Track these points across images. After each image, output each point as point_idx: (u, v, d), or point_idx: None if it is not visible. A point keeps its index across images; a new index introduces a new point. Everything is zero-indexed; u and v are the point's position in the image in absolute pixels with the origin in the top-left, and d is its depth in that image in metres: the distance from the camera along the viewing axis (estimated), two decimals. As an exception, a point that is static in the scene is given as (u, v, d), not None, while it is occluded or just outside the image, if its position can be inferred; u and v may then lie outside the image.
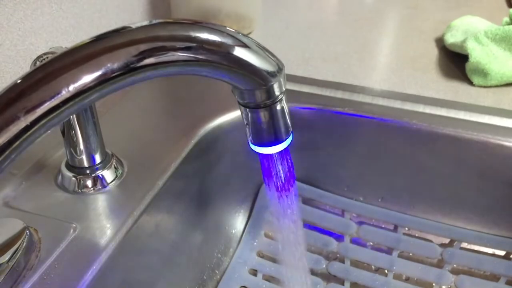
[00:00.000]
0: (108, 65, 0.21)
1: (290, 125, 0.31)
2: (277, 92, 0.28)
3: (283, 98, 0.29)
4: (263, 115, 0.29)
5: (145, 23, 0.23)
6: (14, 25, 0.44)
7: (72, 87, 0.20)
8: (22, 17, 0.44)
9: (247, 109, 0.29)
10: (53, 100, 0.20)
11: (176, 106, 0.52)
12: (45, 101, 0.20)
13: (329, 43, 0.64)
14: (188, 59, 0.23)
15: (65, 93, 0.20)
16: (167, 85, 0.55)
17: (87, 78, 0.21)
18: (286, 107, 0.30)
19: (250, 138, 0.31)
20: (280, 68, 0.28)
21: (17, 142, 0.20)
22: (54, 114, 0.20)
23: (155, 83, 0.54)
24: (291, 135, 0.31)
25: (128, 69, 0.21)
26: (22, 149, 0.20)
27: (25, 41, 0.45)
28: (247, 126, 0.31)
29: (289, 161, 0.33)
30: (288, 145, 0.32)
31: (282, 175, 0.33)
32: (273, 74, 0.27)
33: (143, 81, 0.23)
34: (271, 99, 0.28)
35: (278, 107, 0.29)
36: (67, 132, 0.37)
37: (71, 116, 0.36)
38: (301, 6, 0.78)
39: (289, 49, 0.63)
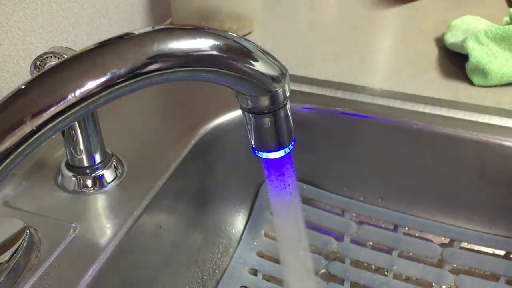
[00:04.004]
0: (114, 70, 0.21)
1: (293, 129, 0.31)
2: (281, 98, 0.28)
3: (287, 103, 0.29)
4: (267, 121, 0.29)
5: (148, 29, 0.23)
6: (14, 24, 0.44)
7: (79, 92, 0.20)
8: (22, 16, 0.44)
9: (251, 115, 0.29)
10: (59, 104, 0.20)
11: (176, 106, 0.52)
12: (51, 106, 0.20)
13: (329, 43, 0.64)
14: (192, 65, 0.23)
15: (71, 98, 0.20)
16: (167, 85, 0.54)
17: (93, 84, 0.21)
18: (290, 112, 0.30)
19: (253, 144, 0.31)
20: (284, 74, 0.28)
21: (23, 146, 0.20)
22: (61, 118, 0.20)
23: (155, 83, 0.54)
24: (294, 140, 0.31)
25: (133, 75, 0.22)
26: (28, 153, 0.20)
27: (24, 41, 0.45)
28: (250, 131, 0.30)
29: (290, 162, 0.33)
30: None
31: (284, 176, 0.33)
32: (277, 80, 0.27)
33: (148, 86, 0.23)
34: (275, 105, 0.28)
35: (282, 113, 0.29)
36: (67, 131, 0.37)
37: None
38: (301, 6, 0.78)
39: (289, 49, 0.63)
